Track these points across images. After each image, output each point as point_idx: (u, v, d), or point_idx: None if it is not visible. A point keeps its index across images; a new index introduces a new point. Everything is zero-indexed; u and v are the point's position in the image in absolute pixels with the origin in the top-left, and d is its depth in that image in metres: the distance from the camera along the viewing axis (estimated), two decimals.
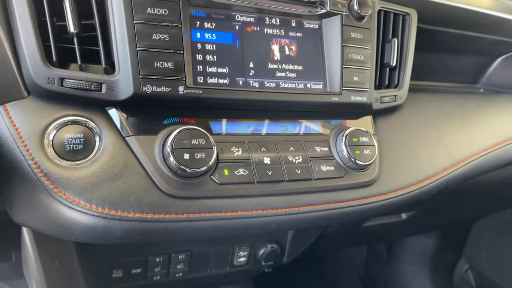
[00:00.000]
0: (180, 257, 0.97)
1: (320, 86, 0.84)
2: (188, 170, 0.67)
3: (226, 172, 0.71)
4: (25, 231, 0.78)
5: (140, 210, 0.65)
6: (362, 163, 0.81)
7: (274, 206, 0.74)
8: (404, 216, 1.28)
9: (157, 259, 0.95)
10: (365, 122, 0.90)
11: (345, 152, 0.80)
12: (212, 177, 0.70)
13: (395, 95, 0.95)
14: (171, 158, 0.66)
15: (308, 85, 0.83)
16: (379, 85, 0.95)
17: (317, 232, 1.12)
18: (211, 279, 1.23)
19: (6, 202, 0.73)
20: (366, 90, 0.87)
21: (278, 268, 1.42)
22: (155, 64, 0.68)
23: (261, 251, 1.06)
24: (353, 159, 0.80)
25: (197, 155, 0.67)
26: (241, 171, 0.72)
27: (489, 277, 1.86)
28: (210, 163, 0.68)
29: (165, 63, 0.69)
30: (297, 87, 0.81)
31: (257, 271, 1.31)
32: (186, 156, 0.67)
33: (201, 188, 0.69)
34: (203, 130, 0.69)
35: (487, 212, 1.65)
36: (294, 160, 0.77)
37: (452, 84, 1.37)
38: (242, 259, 1.05)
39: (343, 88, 0.84)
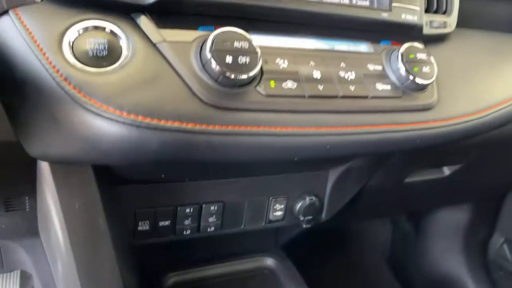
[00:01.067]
0: (212, 208, 0.87)
1: (367, 2, 0.75)
2: (231, 75, 0.57)
3: (272, 84, 0.62)
4: (42, 166, 0.68)
5: (179, 119, 0.55)
6: (421, 82, 0.71)
7: (329, 124, 0.64)
8: (447, 172, 1.19)
9: (187, 210, 0.85)
10: None
11: (402, 70, 0.71)
12: (257, 88, 0.61)
13: (444, 21, 0.86)
14: (212, 63, 0.57)
15: (354, 0, 0.73)
16: (427, 10, 0.85)
17: (357, 185, 1.02)
18: (240, 246, 1.13)
19: (20, 129, 0.63)
20: (416, 9, 0.78)
21: (305, 245, 1.32)
22: None
23: (299, 204, 0.96)
24: (411, 77, 0.71)
25: (240, 59, 0.58)
26: (289, 84, 0.63)
27: None
28: (256, 70, 0.58)
29: None
30: (342, 1, 0.72)
31: (287, 238, 1.22)
32: (229, 59, 0.57)
33: (246, 99, 0.60)
34: (245, 34, 0.60)
35: None
36: (346, 77, 0.68)
37: None
38: (279, 213, 0.95)
39: (392, 5, 0.75)
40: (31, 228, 0.81)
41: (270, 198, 0.93)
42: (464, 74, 0.85)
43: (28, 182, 0.73)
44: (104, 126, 0.53)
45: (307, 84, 0.64)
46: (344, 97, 0.66)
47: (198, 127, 0.56)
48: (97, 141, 0.55)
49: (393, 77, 0.72)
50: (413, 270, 1.95)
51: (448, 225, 1.86)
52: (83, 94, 0.53)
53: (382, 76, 0.71)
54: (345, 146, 0.67)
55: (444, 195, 1.36)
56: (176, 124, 0.55)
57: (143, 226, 0.83)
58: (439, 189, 1.27)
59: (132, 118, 0.54)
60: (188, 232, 0.87)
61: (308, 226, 0.98)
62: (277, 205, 0.94)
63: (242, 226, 0.93)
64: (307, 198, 0.95)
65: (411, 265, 1.96)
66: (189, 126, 0.56)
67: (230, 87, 0.59)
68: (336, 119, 0.65)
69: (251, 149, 0.61)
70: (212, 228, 0.89)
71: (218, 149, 0.59)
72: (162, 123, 0.55)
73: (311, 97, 0.64)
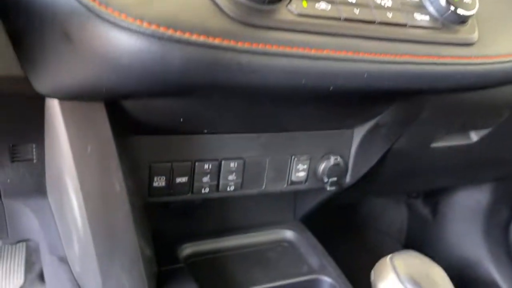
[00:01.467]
0: (232, 165, 0.81)
1: None
2: None
3: (304, 3, 0.56)
4: (50, 104, 0.62)
5: (205, 33, 0.50)
6: (462, 13, 0.66)
7: (366, 50, 0.59)
8: (474, 138, 1.13)
9: (205, 166, 0.79)
10: None
11: (442, 0, 0.65)
12: (288, 7, 0.55)
13: None
14: None
15: None
16: None
17: (383, 147, 0.96)
18: (257, 218, 1.07)
19: (27, 60, 0.57)
20: None
21: (320, 229, 1.26)
22: None
23: (323, 165, 0.90)
24: (452, 8, 0.65)
25: None
26: (322, 5, 0.57)
27: None
28: None
29: None
30: None
31: (306, 210, 1.16)
32: None
33: (276, 18, 0.54)
34: None
35: None
36: (382, 3, 0.62)
37: None
38: (301, 173, 0.89)
39: None
40: (37, 186, 0.75)
41: (293, 157, 0.87)
42: (503, 15, 0.79)
43: (35, 128, 0.67)
44: (122, 37, 0.48)
45: (342, 6, 0.59)
46: (381, 23, 0.61)
47: (226, 43, 0.51)
48: (114, 57, 0.49)
49: (431, 8, 0.67)
50: (430, 255, 1.88)
51: (467, 208, 1.79)
52: (98, 2, 0.48)
53: (419, 7, 0.66)
54: (384, 76, 0.62)
55: (469, 167, 1.30)
56: (202, 39, 0.50)
57: (159, 182, 0.77)
58: (464, 159, 1.21)
59: (153, 28, 0.48)
60: (207, 190, 0.81)
61: (333, 188, 0.92)
62: (300, 165, 0.88)
63: (263, 187, 0.87)
64: (332, 158, 0.90)
65: (429, 250, 1.87)
66: (216, 41, 0.50)
67: (260, 3, 0.53)
68: (373, 46, 0.60)
69: (282, 72, 0.55)
70: (232, 187, 0.83)
71: (247, 70, 0.53)
72: (186, 36, 0.49)
73: (346, 20, 0.58)
